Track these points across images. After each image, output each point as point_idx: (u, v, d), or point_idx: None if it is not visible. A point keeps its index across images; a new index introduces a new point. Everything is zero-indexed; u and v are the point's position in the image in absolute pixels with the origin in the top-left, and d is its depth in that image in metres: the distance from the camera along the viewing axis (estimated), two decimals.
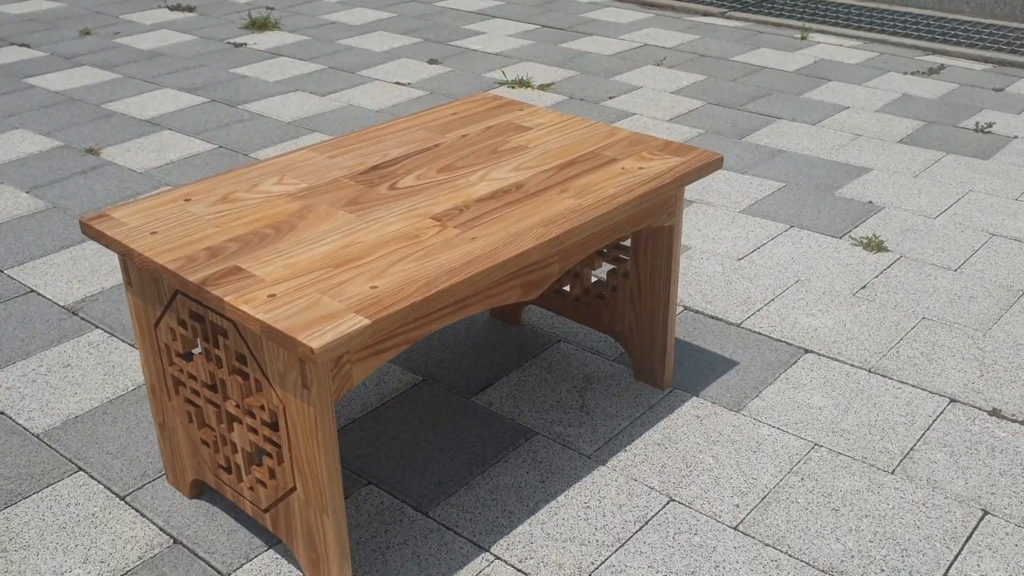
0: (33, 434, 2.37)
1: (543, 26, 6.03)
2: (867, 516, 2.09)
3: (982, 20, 6.24)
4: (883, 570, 1.95)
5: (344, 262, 1.76)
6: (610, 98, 4.71)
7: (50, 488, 2.20)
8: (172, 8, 6.40)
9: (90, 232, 1.92)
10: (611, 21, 6.15)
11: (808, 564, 1.96)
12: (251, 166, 2.19)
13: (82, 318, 2.87)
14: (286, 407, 1.71)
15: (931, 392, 2.51)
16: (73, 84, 4.94)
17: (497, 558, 1.99)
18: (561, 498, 2.15)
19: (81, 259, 3.22)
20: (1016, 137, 4.22)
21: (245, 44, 5.60)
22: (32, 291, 3.02)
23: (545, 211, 1.96)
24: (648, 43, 5.67)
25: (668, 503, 2.13)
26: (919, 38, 5.74)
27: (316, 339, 1.53)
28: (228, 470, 1.98)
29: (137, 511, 2.12)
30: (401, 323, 1.70)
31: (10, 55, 5.45)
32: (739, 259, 3.18)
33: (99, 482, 2.21)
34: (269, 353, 1.68)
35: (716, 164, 2.24)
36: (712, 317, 2.85)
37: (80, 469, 2.26)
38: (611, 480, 2.20)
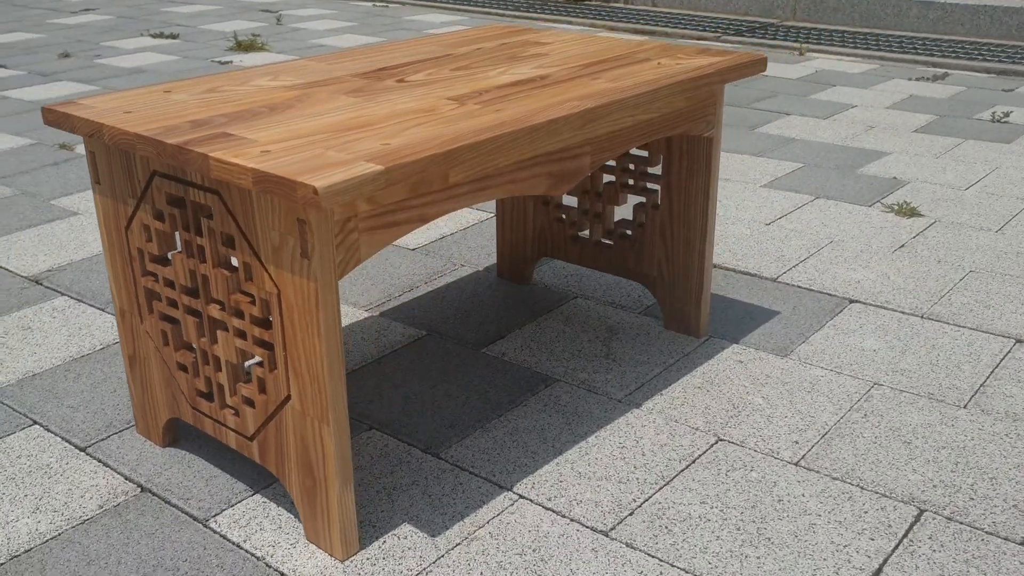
0: None
1: None
2: (944, 447, 1.82)
3: (979, 39, 6.17)
4: (972, 498, 1.67)
5: (352, 127, 1.51)
6: None
7: None
8: (155, 36, 6.24)
9: (53, 117, 1.66)
10: None
11: (885, 496, 1.68)
12: (242, 70, 1.95)
13: (46, 287, 2.59)
14: (281, 291, 1.44)
15: (993, 334, 2.25)
16: (51, 95, 4.72)
17: (521, 496, 1.70)
18: (592, 439, 1.86)
19: (49, 236, 2.95)
20: None
21: (231, 62, 5.42)
22: None
23: (578, 91, 1.73)
24: None
25: (717, 442, 1.85)
26: (918, 54, 5.64)
27: (322, 179, 1.27)
28: (209, 396, 1.69)
29: (100, 461, 1.82)
30: (418, 188, 1.44)
31: None
32: (767, 224, 2.95)
33: (56, 435, 1.91)
34: (262, 222, 1.42)
35: (759, 65, 2.02)
36: (745, 273, 2.60)
37: (35, 423, 1.95)
38: (648, 421, 1.92)
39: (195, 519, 1.65)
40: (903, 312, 2.37)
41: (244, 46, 5.74)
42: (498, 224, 2.53)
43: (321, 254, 1.36)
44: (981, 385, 2.03)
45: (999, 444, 1.83)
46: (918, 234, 2.86)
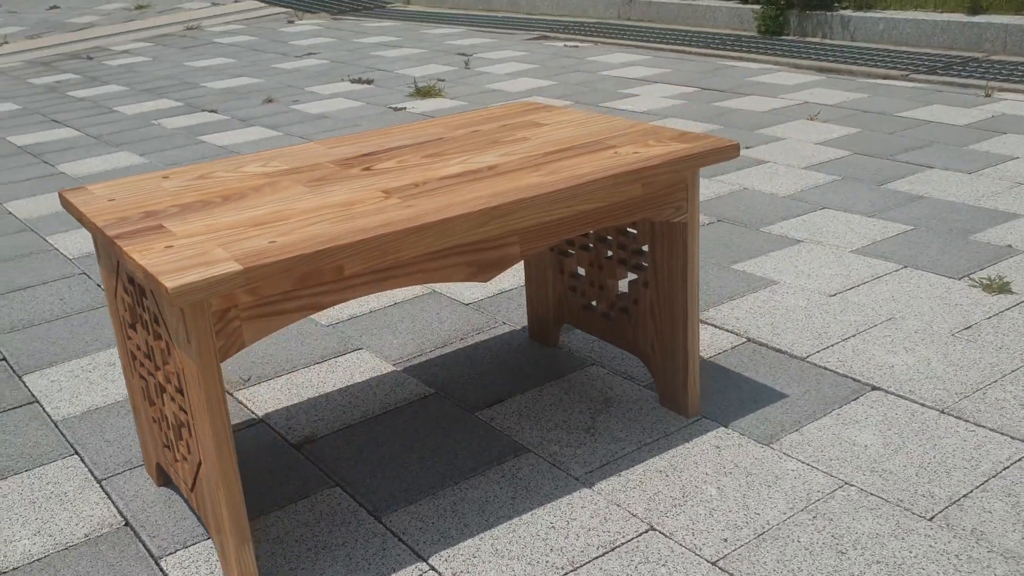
0: (53, 420, 2.43)
1: (703, 88, 5.84)
2: (879, 563, 1.71)
3: None
4: None
5: (263, 223, 1.68)
6: (746, 148, 4.43)
7: (40, 468, 2.22)
8: (353, 81, 6.77)
9: (63, 202, 1.95)
10: (777, 83, 5.87)
11: None
12: (253, 153, 2.18)
13: None
14: (184, 368, 1.63)
15: (1012, 437, 2.06)
16: (238, 141, 5.28)
17: (432, 568, 1.78)
18: (527, 516, 1.91)
19: None
20: None
21: (404, 108, 5.80)
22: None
23: (501, 187, 1.80)
24: (809, 101, 5.34)
25: (646, 531, 1.84)
26: None
27: (174, 280, 1.44)
28: (169, 447, 1.92)
29: (106, 493, 2.10)
30: (306, 280, 1.59)
31: (197, 119, 5.93)
32: (830, 295, 2.82)
33: (85, 466, 2.21)
34: (167, 307, 1.62)
35: (727, 151, 1.99)
36: (776, 350, 2.52)
37: (76, 453, 2.27)
38: (589, 503, 1.94)
39: (151, 555, 1.88)
40: (923, 404, 2.21)
41: (422, 92, 6.12)
42: (526, 288, 2.61)
43: (199, 340, 1.54)
44: (964, 496, 1.88)
45: (942, 566, 1.69)
46: (995, 315, 2.63)
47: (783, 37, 7.36)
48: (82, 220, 1.83)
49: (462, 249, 1.77)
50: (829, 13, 7.19)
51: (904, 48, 6.71)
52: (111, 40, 9.78)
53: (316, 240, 1.57)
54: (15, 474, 2.20)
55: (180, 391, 1.71)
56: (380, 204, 1.73)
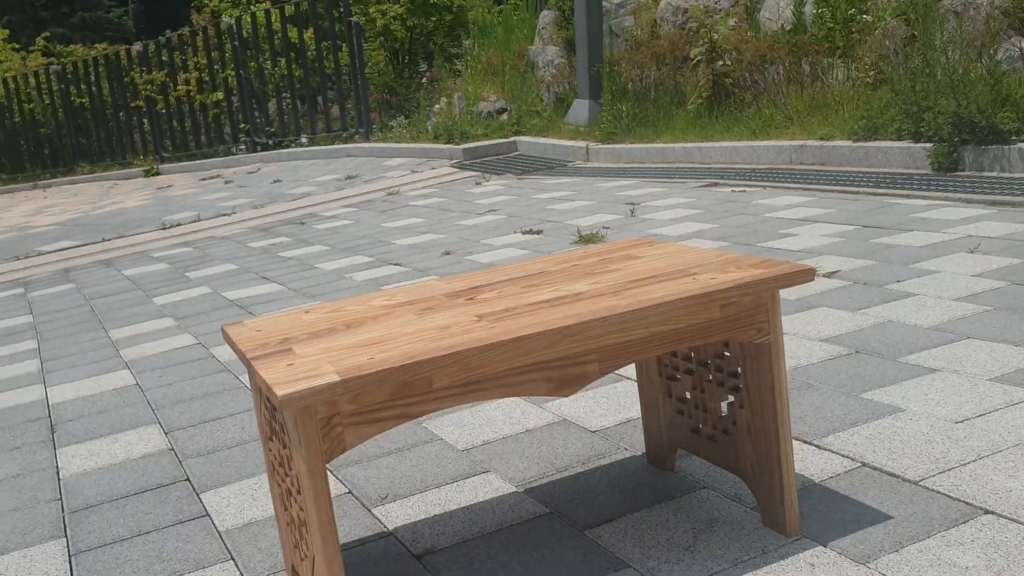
0: (218, 531, 2.75)
1: (864, 226, 5.84)
2: None
3: None
4: None
5: (370, 343, 1.96)
6: (897, 282, 4.41)
7: (200, 571, 2.53)
8: (525, 232, 7.21)
9: (224, 335, 2.32)
10: (942, 218, 5.78)
11: None
12: (382, 291, 2.50)
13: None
14: (299, 474, 1.89)
15: None
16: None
17: None
18: None
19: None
20: None
21: None
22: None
23: (579, 309, 2.00)
24: (972, 234, 5.24)
25: None
26: None
27: (284, 389, 1.72)
28: (297, 547, 2.16)
29: None
30: (400, 391, 1.83)
31: (383, 271, 6.49)
32: (956, 422, 2.78)
33: (239, 570, 2.50)
34: (287, 418, 1.90)
35: (801, 276, 2.11)
36: (889, 474, 2.51)
37: (231, 559, 2.57)
38: None
39: None
40: None
41: (585, 239, 6.44)
42: (641, 414, 2.75)
43: (308, 444, 1.80)
44: None
45: None
46: None
47: (958, 173, 7.23)
48: (233, 347, 2.17)
49: (543, 365, 1.97)
50: (1007, 147, 7.04)
51: None
52: (322, 207, 10.84)
53: (407, 356, 1.82)
54: (178, 575, 2.52)
55: (299, 491, 1.97)
56: (471, 326, 1.97)
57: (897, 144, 7.81)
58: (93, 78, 19.43)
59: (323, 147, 15.49)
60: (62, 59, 22.93)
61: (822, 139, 8.45)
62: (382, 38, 18.19)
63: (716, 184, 8.44)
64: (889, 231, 5.62)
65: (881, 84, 8.58)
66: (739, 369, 2.33)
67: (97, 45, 23.98)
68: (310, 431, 1.80)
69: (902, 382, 3.17)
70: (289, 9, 16.74)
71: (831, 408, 3.03)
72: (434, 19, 18.20)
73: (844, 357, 3.50)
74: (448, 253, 6.79)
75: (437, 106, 14.74)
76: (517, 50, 14.16)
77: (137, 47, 18.73)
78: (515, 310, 2.06)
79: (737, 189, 7.98)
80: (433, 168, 12.13)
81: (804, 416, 2.99)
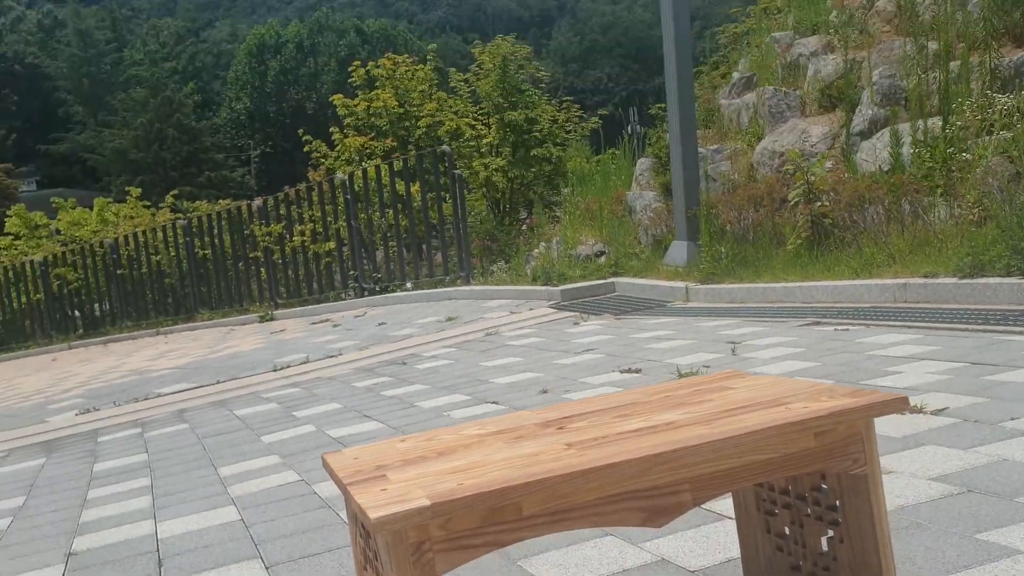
0: None
1: (973, 363, 5.66)
2: None
3: None
4: None
5: (461, 470, 2.00)
6: (1011, 419, 4.23)
7: None
8: (623, 371, 7.21)
9: (323, 462, 2.39)
10: None
11: None
12: (476, 421, 2.55)
13: None
14: None
15: None
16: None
17: None
18: None
19: None
20: None
21: None
22: None
23: (670, 438, 2.01)
24: None
25: None
26: None
27: (376, 512, 1.77)
28: None
29: None
30: (490, 518, 1.86)
31: (481, 409, 6.55)
32: None
33: None
34: (380, 543, 1.94)
35: (895, 404, 2.08)
36: None
37: None
38: None
39: None
40: None
41: (684, 376, 6.40)
42: (740, 551, 2.68)
43: (398, 567, 1.83)
44: None
45: None
46: None
47: None
48: (332, 475, 2.24)
49: (634, 495, 1.97)
50: None
51: None
52: (423, 348, 11.07)
53: (495, 481, 1.85)
54: None
55: None
56: (560, 453, 2.00)
57: (1006, 280, 7.61)
58: (216, 231, 20.60)
59: (426, 291, 15.93)
60: (188, 214, 24.44)
61: (926, 277, 8.30)
62: (484, 189, 18.89)
63: (818, 323, 8.32)
64: (1001, 368, 5.43)
65: (985, 221, 8.45)
66: (837, 502, 2.27)
67: (221, 201, 25.52)
68: (401, 556, 1.83)
69: (1020, 523, 3.01)
70: (398, 164, 17.60)
71: (942, 549, 2.89)
72: (534, 170, 18.85)
73: (956, 496, 3.36)
74: (545, 391, 6.82)
75: (536, 250, 15.09)
76: (615, 195, 14.49)
77: (257, 202, 19.86)
78: (605, 439, 2.08)
79: (840, 328, 7.84)
80: (531, 309, 12.30)
81: (913, 557, 2.86)
